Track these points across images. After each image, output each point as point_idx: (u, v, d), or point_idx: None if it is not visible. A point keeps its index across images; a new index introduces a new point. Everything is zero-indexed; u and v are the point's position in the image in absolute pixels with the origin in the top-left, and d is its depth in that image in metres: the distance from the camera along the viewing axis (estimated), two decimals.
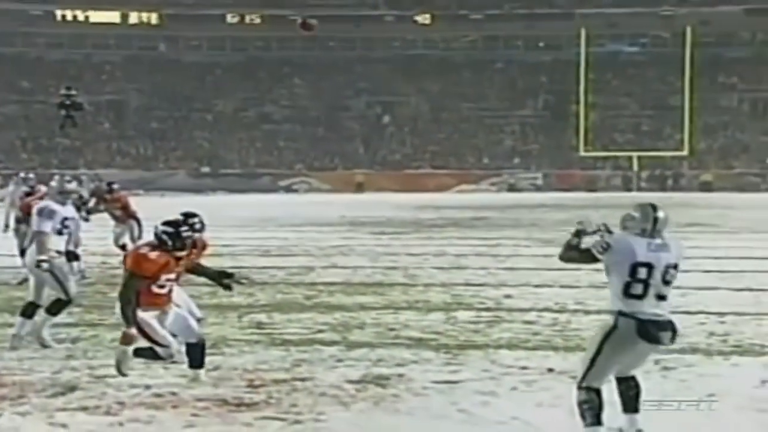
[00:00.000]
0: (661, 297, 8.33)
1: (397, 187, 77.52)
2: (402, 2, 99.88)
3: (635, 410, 8.73)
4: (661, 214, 8.49)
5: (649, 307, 8.23)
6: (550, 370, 10.08)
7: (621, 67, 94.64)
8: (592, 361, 8.34)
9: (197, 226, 11.02)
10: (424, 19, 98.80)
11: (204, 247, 11.08)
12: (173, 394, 9.19)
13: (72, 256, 12.24)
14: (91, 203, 21.81)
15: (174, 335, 9.38)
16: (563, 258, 8.66)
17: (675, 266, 8.38)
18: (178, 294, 10.09)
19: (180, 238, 9.34)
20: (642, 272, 8.30)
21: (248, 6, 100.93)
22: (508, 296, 15.61)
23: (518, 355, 10.83)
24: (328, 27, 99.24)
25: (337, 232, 31.82)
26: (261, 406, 8.60)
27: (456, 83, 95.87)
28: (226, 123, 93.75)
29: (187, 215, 11.04)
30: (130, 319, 9.05)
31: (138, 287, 9.22)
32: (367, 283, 17.84)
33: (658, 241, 8.39)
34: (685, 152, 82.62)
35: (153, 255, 9.24)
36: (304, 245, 25.66)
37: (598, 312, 13.52)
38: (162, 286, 9.33)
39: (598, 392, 8.56)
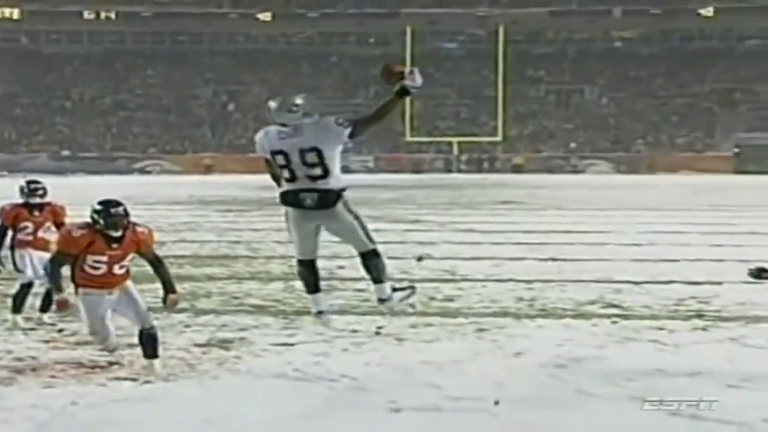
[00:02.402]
0: (312, 177, 8.54)
1: (243, 169, 77.04)
2: (244, 1, 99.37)
3: (379, 281, 8.95)
4: (271, 104, 8.74)
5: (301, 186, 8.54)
6: (377, 333, 10.13)
7: (442, 62, 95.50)
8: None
9: (39, 192, 10.84)
10: (265, 16, 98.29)
11: (55, 213, 10.87)
12: (33, 358, 9.00)
13: None
14: None
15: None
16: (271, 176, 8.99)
17: (314, 149, 8.54)
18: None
19: (110, 216, 8.17)
20: (280, 159, 8.59)
21: (104, 3, 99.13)
22: (341, 267, 15.62)
23: (349, 320, 10.85)
24: (177, 22, 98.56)
25: (187, 210, 31.54)
26: (114, 368, 8.47)
27: (295, 75, 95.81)
28: (85, 110, 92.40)
29: (30, 182, 10.88)
30: (55, 288, 8.32)
31: (61, 263, 8.37)
32: (214, 256, 17.73)
33: (289, 129, 8.61)
34: (499, 138, 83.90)
35: (77, 234, 8.26)
36: (156, 222, 25.22)
37: (421, 281, 13.66)
38: (94, 267, 8.30)
39: (308, 265, 8.78)
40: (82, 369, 8.55)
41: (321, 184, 8.60)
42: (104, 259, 8.23)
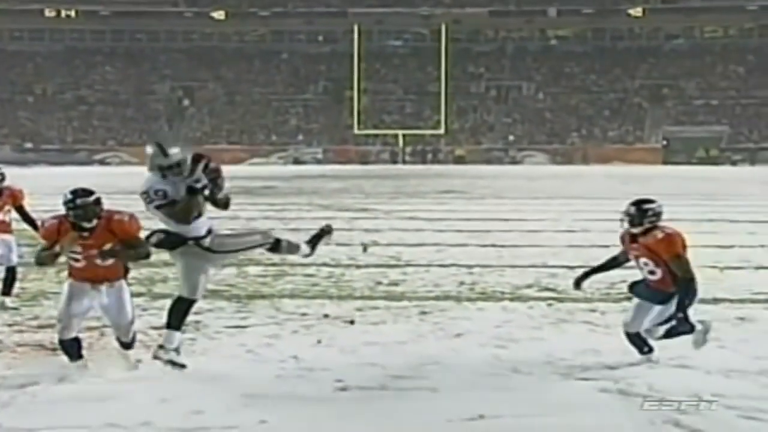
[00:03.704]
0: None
1: None
2: (199, 0, 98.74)
3: (294, 252, 8.69)
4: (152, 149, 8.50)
5: None
6: (326, 315, 10.12)
7: (388, 59, 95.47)
8: None
9: None
10: (219, 15, 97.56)
11: (14, 196, 10.77)
12: None
13: None
14: None
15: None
16: None
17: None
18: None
19: (76, 206, 7.47)
20: None
21: (64, 2, 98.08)
22: None
23: (299, 303, 10.84)
24: (135, 21, 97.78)
25: None
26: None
27: (247, 71, 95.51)
28: (46, 104, 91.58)
29: None
30: (43, 263, 7.68)
31: (45, 251, 7.59)
32: None
33: None
34: (441, 131, 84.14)
35: (48, 224, 7.67)
36: None
37: (367, 266, 13.67)
38: (74, 259, 7.59)
39: (184, 304, 8.35)
40: (44, 351, 8.50)
41: (171, 227, 8.07)
42: (78, 249, 7.54)
